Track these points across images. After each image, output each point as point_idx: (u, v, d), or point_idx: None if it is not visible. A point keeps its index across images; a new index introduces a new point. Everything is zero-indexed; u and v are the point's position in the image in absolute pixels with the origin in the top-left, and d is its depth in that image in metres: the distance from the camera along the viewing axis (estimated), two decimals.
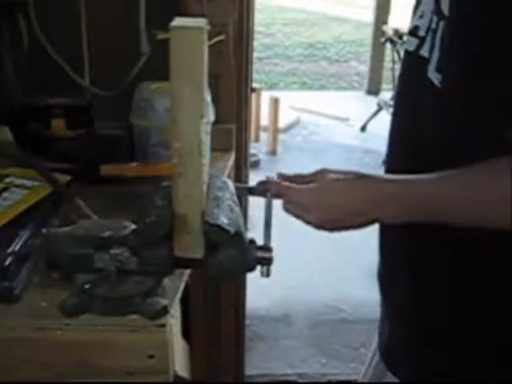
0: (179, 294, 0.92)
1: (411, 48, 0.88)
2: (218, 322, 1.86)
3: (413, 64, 0.88)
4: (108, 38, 1.50)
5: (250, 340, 2.40)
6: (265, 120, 4.77)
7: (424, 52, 0.84)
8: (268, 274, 0.86)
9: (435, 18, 0.81)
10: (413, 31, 0.88)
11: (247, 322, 2.21)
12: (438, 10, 0.80)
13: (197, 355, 1.82)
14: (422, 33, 0.86)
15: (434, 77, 0.80)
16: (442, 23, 0.79)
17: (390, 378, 0.99)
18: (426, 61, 0.83)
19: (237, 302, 1.90)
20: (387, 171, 0.96)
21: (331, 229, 0.89)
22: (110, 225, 0.87)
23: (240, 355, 2.02)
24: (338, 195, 0.88)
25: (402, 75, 0.96)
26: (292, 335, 2.58)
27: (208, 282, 1.70)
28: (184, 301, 0.96)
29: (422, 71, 0.83)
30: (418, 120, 0.86)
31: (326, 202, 0.88)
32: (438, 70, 0.80)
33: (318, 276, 2.98)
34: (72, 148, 1.28)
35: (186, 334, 1.75)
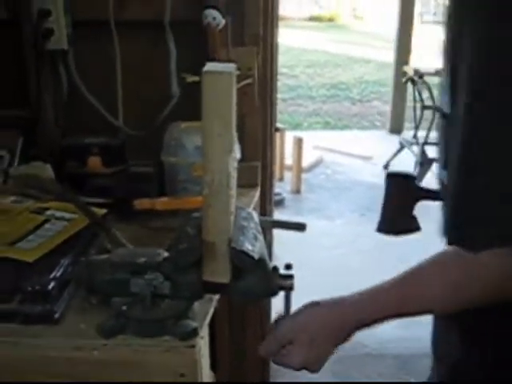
0: (208, 318, 0.98)
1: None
2: (243, 357, 1.90)
3: None
4: (140, 82, 1.59)
5: (275, 371, 2.42)
6: (289, 159, 4.85)
7: None
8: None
9: None
10: None
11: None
12: None
13: None
14: None
15: None
16: None
17: None
18: None
19: (261, 337, 1.93)
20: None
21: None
22: (145, 252, 0.93)
23: None
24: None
25: None
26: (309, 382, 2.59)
27: (233, 311, 1.75)
28: (211, 338, 1.01)
29: None
30: None
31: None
32: None
33: None
34: (107, 184, 1.36)
35: (212, 365, 1.79)
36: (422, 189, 1.17)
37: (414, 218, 1.20)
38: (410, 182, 1.19)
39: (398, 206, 1.20)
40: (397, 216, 1.21)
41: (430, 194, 1.14)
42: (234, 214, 0.90)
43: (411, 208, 1.17)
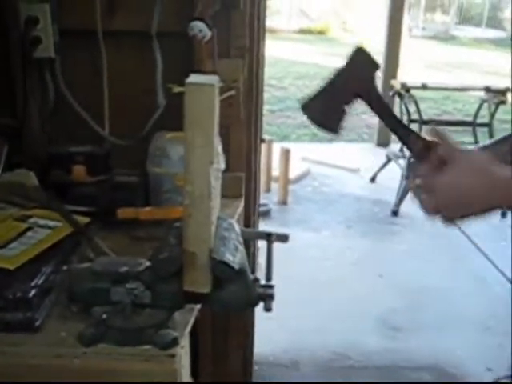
0: (189, 328, 0.99)
1: None
2: (226, 366, 1.90)
3: None
4: (127, 91, 1.59)
5: (256, 379, 2.42)
6: (276, 171, 4.86)
7: None
8: (270, 309, 0.93)
9: None
10: None
11: (255, 367, 2.25)
12: None
13: None
14: None
15: None
16: None
17: None
18: None
19: (244, 347, 1.94)
20: None
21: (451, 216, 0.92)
22: (126, 261, 0.94)
23: None
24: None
25: None
26: (299, 381, 2.60)
27: (216, 321, 1.75)
28: (193, 347, 1.01)
29: None
30: None
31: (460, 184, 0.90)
32: None
33: (326, 323, 3.01)
34: (91, 192, 1.36)
35: (195, 375, 1.80)
36: (376, 91, 1.04)
37: (342, 118, 1.04)
38: (371, 72, 1.04)
39: (341, 92, 1.03)
40: (334, 104, 1.03)
41: (377, 101, 1.05)
42: (216, 225, 0.91)
43: (349, 101, 1.03)
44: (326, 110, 1.02)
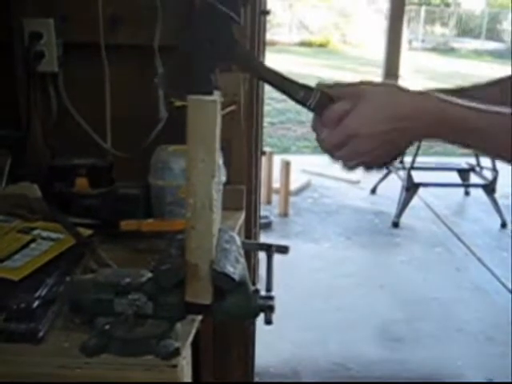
0: (190, 339, 1.00)
1: None
2: (227, 378, 1.90)
3: None
4: (129, 104, 1.62)
5: None
6: (277, 183, 4.88)
7: None
8: (270, 322, 0.94)
9: None
10: None
11: (256, 378, 2.25)
12: None
13: None
14: None
15: None
16: None
17: None
18: None
19: (246, 358, 1.94)
20: None
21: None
22: (129, 273, 0.95)
23: None
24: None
25: None
26: (300, 381, 2.61)
27: (218, 332, 1.76)
28: (194, 358, 1.02)
29: None
30: None
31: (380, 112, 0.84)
32: None
33: (327, 334, 3.02)
34: (94, 205, 1.38)
35: None
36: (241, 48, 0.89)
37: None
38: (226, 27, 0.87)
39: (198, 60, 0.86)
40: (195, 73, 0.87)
41: (246, 59, 0.92)
42: (217, 237, 0.93)
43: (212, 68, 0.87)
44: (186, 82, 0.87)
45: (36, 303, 0.97)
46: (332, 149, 0.88)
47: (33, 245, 1.15)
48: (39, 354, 0.93)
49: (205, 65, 0.86)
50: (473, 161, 5.07)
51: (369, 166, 0.91)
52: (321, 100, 0.89)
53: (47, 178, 1.43)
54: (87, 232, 1.23)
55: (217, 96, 0.83)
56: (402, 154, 0.90)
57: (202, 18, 0.87)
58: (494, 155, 0.96)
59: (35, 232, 1.20)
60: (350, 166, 0.90)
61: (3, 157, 1.48)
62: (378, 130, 0.85)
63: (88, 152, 1.53)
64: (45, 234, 1.20)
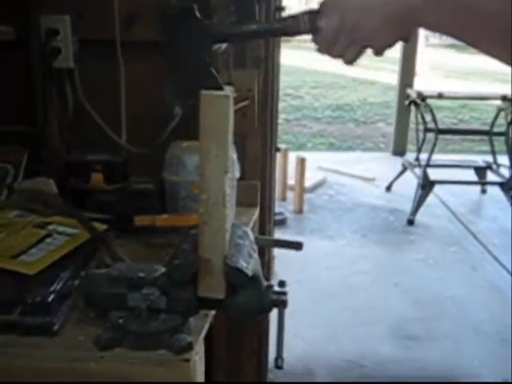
0: (203, 333, 1.00)
1: None
2: (240, 374, 1.91)
3: None
4: (144, 101, 1.63)
5: None
6: (292, 180, 4.88)
7: None
8: (281, 367, 0.95)
9: None
10: None
11: (270, 375, 2.25)
12: None
13: None
14: None
15: None
16: None
17: None
18: None
19: (259, 355, 1.95)
20: None
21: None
22: (143, 267, 0.96)
23: None
24: None
25: None
26: (302, 382, 2.61)
27: (231, 327, 1.77)
28: (207, 354, 1.02)
29: None
30: None
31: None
32: None
33: (341, 332, 3.01)
34: (109, 200, 1.39)
35: (209, 381, 1.81)
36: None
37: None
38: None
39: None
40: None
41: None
42: (230, 232, 0.93)
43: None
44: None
45: (51, 297, 0.98)
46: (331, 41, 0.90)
47: (48, 239, 1.16)
48: (54, 347, 0.94)
49: (197, 60, 0.91)
50: (490, 158, 5.03)
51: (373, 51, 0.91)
52: (311, 20, 0.93)
53: (63, 174, 1.44)
54: (102, 227, 1.24)
55: (229, 91, 0.83)
56: (405, 36, 0.90)
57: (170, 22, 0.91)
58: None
59: (51, 227, 1.21)
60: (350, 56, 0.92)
61: (20, 152, 1.50)
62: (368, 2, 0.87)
63: (103, 148, 1.54)
64: (60, 228, 1.21)
